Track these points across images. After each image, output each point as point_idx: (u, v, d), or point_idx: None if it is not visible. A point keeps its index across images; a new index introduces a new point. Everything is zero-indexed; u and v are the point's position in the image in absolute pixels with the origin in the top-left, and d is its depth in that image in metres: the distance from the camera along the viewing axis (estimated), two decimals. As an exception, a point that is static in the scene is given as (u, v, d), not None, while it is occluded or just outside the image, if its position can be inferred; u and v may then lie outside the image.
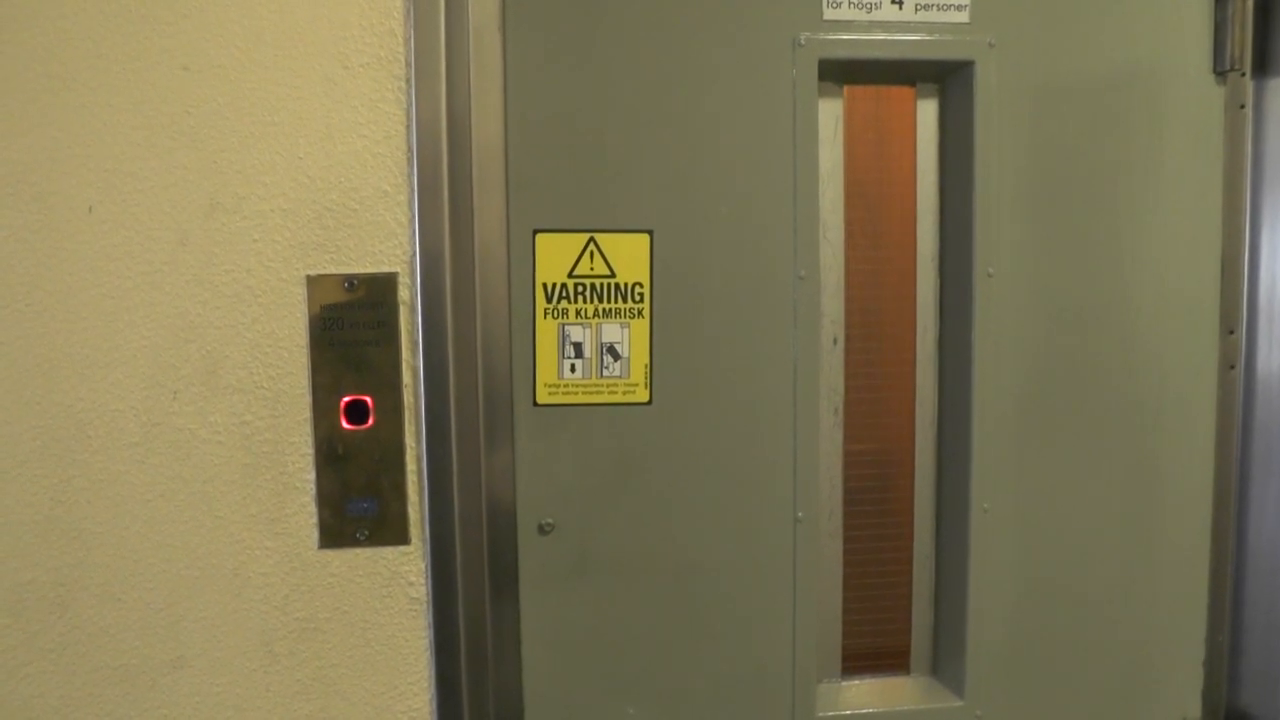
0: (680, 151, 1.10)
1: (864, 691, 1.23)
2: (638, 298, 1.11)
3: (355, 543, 1.00)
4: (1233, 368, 1.20)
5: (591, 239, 1.09)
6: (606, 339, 1.11)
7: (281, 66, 0.95)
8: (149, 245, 0.95)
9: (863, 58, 1.12)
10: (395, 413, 0.99)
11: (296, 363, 0.98)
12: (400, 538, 1.00)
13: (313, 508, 0.99)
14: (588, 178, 1.09)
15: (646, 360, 1.11)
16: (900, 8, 1.12)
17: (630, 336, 1.11)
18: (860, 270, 1.21)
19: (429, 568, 1.01)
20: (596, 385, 1.11)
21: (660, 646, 1.14)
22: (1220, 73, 1.17)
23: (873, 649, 1.25)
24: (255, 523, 0.99)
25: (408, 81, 0.96)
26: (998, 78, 1.13)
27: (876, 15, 1.12)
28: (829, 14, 1.11)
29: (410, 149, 0.97)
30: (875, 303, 1.21)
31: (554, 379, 1.10)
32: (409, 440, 1.00)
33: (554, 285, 1.10)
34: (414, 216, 0.98)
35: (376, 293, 0.98)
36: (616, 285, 1.10)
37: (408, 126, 0.97)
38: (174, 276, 0.96)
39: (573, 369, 1.11)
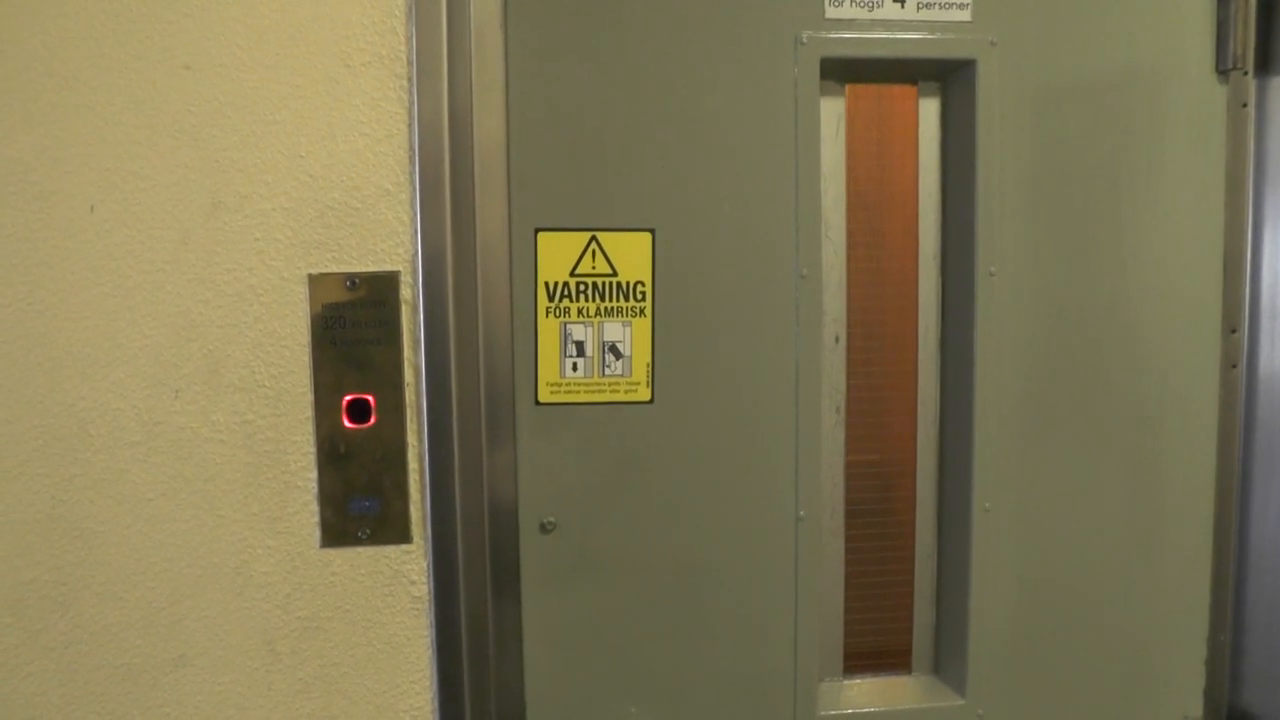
0: (682, 150, 1.10)
1: (866, 690, 1.23)
2: (639, 296, 1.11)
3: (357, 541, 1.00)
4: (1235, 367, 1.20)
5: (593, 238, 1.09)
6: (608, 338, 1.11)
7: (283, 65, 0.95)
8: (151, 244, 0.95)
9: (865, 56, 1.12)
10: (397, 411, 0.99)
11: (298, 361, 0.98)
12: (402, 536, 1.00)
13: (314, 506, 0.99)
14: (590, 176, 1.09)
15: (648, 359, 1.11)
16: (902, 6, 1.12)
17: (632, 335, 1.11)
18: (862, 269, 1.21)
19: (431, 566, 1.01)
20: (598, 384, 1.11)
21: (662, 645, 1.14)
22: (1223, 71, 1.17)
23: (874, 648, 1.25)
24: (257, 521, 0.99)
25: (409, 80, 0.96)
26: (1000, 76, 1.13)
27: (878, 14, 1.12)
28: (831, 12, 1.11)
29: (412, 147, 0.97)
30: (877, 302, 1.21)
31: (556, 378, 1.10)
32: (411, 439, 1.00)
33: (556, 284, 1.10)
34: (416, 215, 0.98)
35: (378, 291, 0.98)
36: (618, 284, 1.10)
37: (409, 125, 0.97)
38: (176, 275, 0.96)
39: (574, 368, 1.11)
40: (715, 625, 1.15)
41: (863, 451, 1.23)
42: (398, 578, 1.01)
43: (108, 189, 0.94)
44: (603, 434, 1.11)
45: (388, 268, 0.98)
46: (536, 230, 1.08)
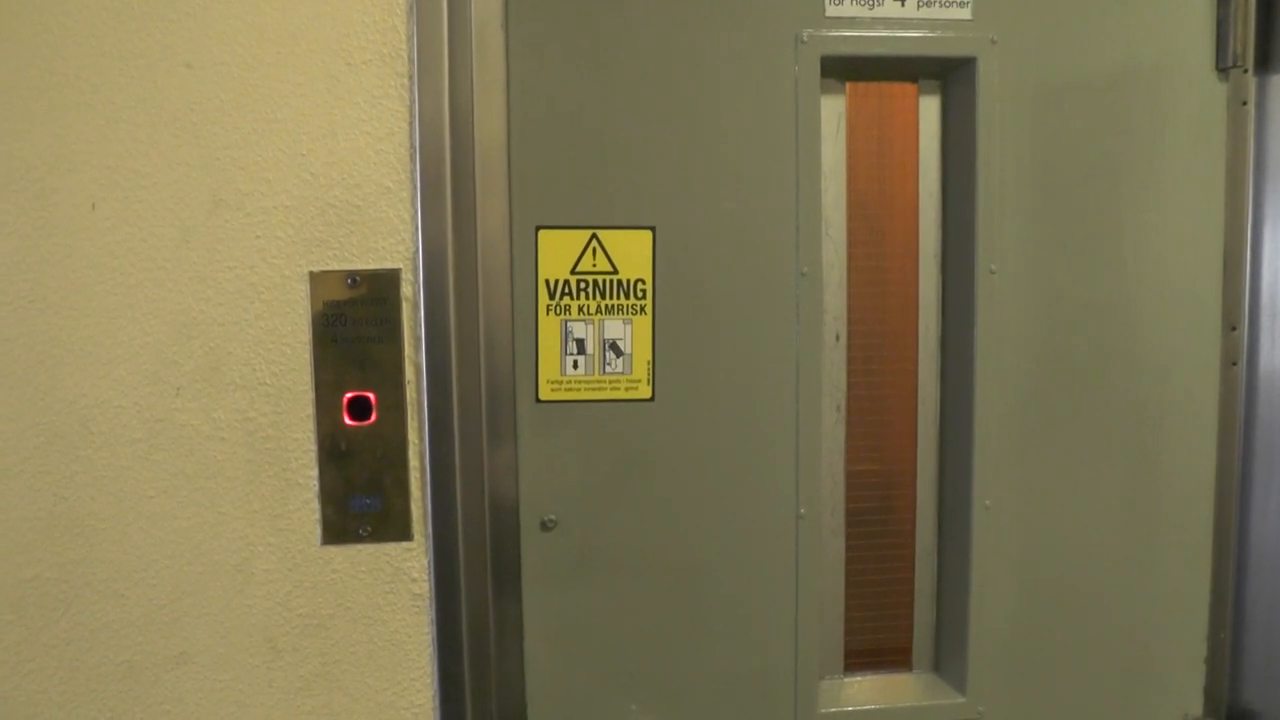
0: (683, 148, 1.10)
1: (866, 688, 1.23)
2: (640, 294, 1.11)
3: (358, 539, 1.00)
4: (1235, 364, 1.20)
5: (594, 235, 1.09)
6: (609, 335, 1.11)
7: (284, 63, 0.95)
8: (152, 242, 0.95)
9: (865, 54, 1.12)
10: (398, 409, 0.99)
11: (299, 359, 0.98)
12: (403, 534, 1.01)
13: (315, 504, 0.99)
14: (590, 174, 1.09)
15: (649, 356, 1.11)
16: (903, 4, 1.12)
17: (633, 333, 1.11)
18: (862, 267, 1.21)
19: (432, 564, 1.01)
20: (599, 382, 1.11)
21: (663, 642, 1.15)
22: (1223, 69, 1.17)
23: (875, 645, 1.25)
24: (258, 519, 0.99)
25: (410, 78, 0.97)
26: (1000, 74, 1.13)
27: (879, 12, 1.12)
28: (831, 10, 1.11)
29: (413, 145, 0.97)
30: (877, 299, 1.21)
31: (556, 375, 1.10)
32: (412, 436, 1.00)
33: (556, 281, 1.10)
34: (417, 213, 0.98)
35: (379, 289, 0.98)
36: (619, 282, 1.10)
37: (410, 123, 0.97)
38: (177, 273, 0.96)
39: (575, 365, 1.11)
40: (716, 622, 1.15)
41: (863, 450, 1.23)
42: (399, 575, 1.01)
43: (109, 187, 0.94)
44: (603, 432, 1.11)
45: (389, 265, 0.98)
46: (537, 228, 1.09)
